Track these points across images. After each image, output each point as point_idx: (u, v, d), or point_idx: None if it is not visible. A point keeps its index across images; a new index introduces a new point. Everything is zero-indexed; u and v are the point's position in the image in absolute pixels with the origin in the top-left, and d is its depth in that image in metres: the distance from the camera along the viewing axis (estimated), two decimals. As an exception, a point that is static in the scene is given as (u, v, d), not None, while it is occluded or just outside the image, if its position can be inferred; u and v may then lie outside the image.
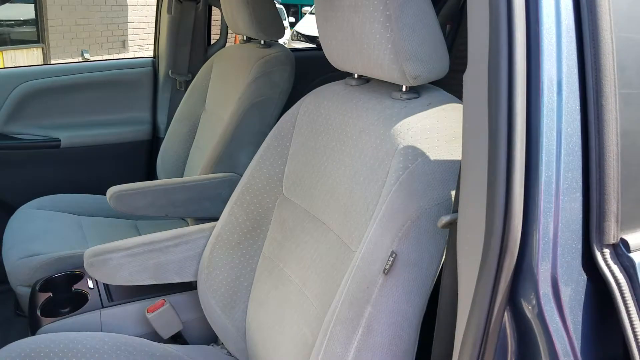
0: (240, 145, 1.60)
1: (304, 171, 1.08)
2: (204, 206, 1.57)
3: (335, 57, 1.01)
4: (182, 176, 1.90)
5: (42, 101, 1.96)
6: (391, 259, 0.75)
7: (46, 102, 1.97)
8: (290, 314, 1.01)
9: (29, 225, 1.65)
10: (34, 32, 8.37)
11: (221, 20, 2.13)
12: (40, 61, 8.47)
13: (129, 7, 9.25)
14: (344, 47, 0.95)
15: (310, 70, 2.02)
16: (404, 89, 0.91)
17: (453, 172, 0.79)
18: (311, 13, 9.83)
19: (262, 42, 1.70)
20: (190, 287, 1.26)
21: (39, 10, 8.28)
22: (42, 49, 8.48)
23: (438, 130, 0.82)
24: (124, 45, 9.22)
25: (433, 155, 0.79)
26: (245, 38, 1.84)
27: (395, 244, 0.76)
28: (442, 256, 0.78)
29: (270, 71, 1.61)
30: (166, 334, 1.21)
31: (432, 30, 0.85)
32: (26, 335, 1.32)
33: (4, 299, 1.59)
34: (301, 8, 14.42)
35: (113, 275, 1.18)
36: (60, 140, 1.96)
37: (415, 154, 0.79)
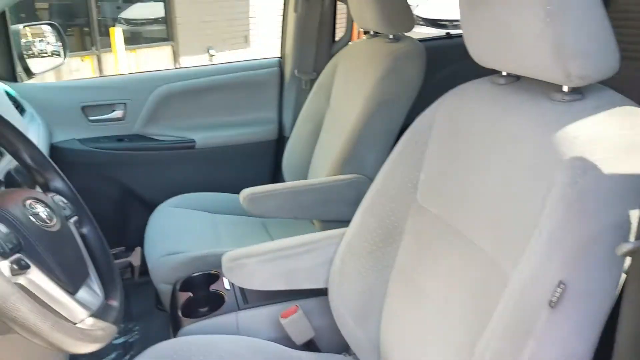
0: (367, 145, 1.55)
1: (442, 178, 1.01)
2: (331, 208, 1.55)
3: (481, 53, 0.92)
4: (307, 175, 1.91)
5: (177, 103, 2.05)
6: (559, 289, 0.67)
7: (181, 104, 2.06)
8: (432, 336, 0.95)
9: (168, 222, 1.74)
10: (164, 31, 8.94)
11: (347, 16, 2.09)
12: (170, 58, 9.05)
13: (249, 1, 9.55)
14: (493, 42, 0.86)
15: (437, 61, 1.92)
16: (565, 89, 0.81)
17: (633, 188, 0.68)
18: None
19: (391, 36, 1.64)
20: (321, 292, 1.25)
21: (168, 9, 8.82)
22: (172, 46, 9.04)
23: (611, 139, 0.72)
24: (246, 40, 9.57)
25: (607, 168, 0.69)
26: (372, 33, 1.78)
27: (563, 272, 0.68)
28: (617, 287, 0.68)
29: (400, 67, 1.55)
30: (299, 340, 1.21)
31: (601, 23, 0.74)
32: (165, 329, 1.39)
33: (147, 292, 1.68)
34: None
35: (249, 280, 1.20)
36: (195, 142, 2.04)
37: (584, 167, 0.70)
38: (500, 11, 0.82)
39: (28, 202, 0.82)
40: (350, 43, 2.05)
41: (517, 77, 0.95)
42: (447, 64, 2.22)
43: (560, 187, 0.71)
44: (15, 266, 0.71)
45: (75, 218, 0.95)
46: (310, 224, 1.79)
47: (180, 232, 1.67)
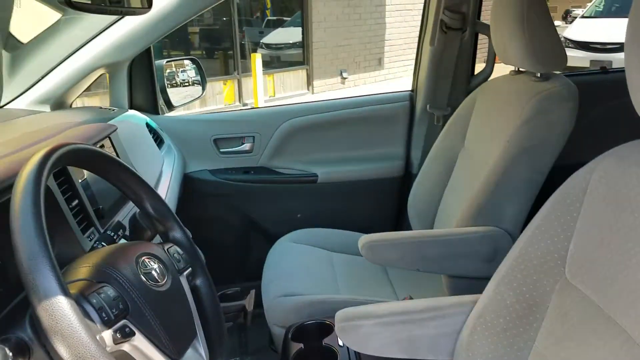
0: (506, 195, 1.39)
1: (598, 254, 0.84)
2: (460, 263, 1.40)
3: None
4: (434, 218, 1.77)
5: (303, 137, 2.03)
6: None
7: (306, 138, 2.03)
8: None
9: (286, 259, 1.70)
10: (300, 54, 9.25)
11: (488, 48, 1.94)
12: (304, 81, 9.32)
13: (387, 24, 9.57)
14: None
15: (587, 99, 1.70)
16: None
17: None
18: (584, 17, 8.82)
19: (538, 74, 1.47)
20: None
21: (305, 33, 9.12)
22: (307, 70, 9.32)
23: None
24: (379, 62, 9.59)
25: None
26: (517, 69, 1.62)
27: None
28: None
29: (549, 110, 1.37)
30: None
31: None
32: (277, 372, 1.34)
33: (263, 327, 1.65)
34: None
35: (364, 343, 1.10)
36: (317, 176, 2.00)
37: None
38: None
39: (142, 259, 0.79)
40: (490, 79, 1.89)
41: None
42: (598, 104, 1.97)
43: None
44: (119, 335, 0.68)
45: (189, 270, 0.92)
46: (437, 275, 1.66)
47: (297, 271, 1.62)
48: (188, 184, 1.97)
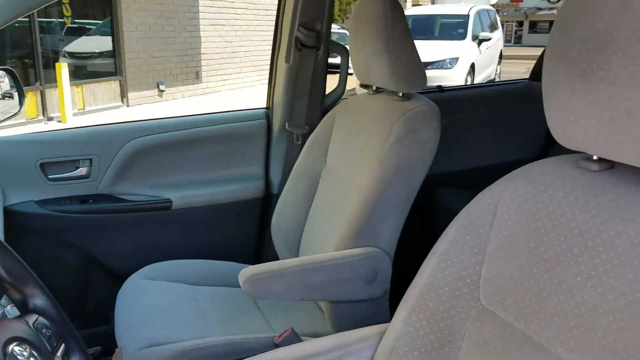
0: (383, 215, 1.38)
1: (516, 278, 0.84)
2: (344, 288, 1.35)
3: (578, 139, 0.77)
4: (300, 240, 1.71)
5: (152, 158, 1.82)
6: None
7: (155, 159, 1.83)
8: None
9: (141, 300, 1.49)
10: (111, 64, 8.62)
11: (340, 68, 1.94)
12: (117, 93, 8.71)
13: (202, 38, 9.39)
14: (604, 129, 0.71)
15: None
16: None
17: None
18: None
19: (400, 94, 1.49)
20: None
21: (116, 43, 8.52)
22: (120, 81, 8.72)
23: None
24: (197, 76, 9.37)
25: None
26: (375, 88, 1.63)
27: None
28: None
29: (417, 128, 1.39)
30: None
31: None
32: None
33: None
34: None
35: None
36: (171, 201, 1.81)
37: None
38: (622, 95, 0.67)
39: (10, 348, 0.58)
40: (348, 97, 1.89)
41: (611, 164, 0.81)
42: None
43: None
44: None
45: (62, 348, 0.71)
46: (310, 302, 1.59)
47: (157, 314, 1.43)
48: (9, 219, 1.63)
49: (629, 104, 0.67)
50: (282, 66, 1.87)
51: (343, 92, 1.97)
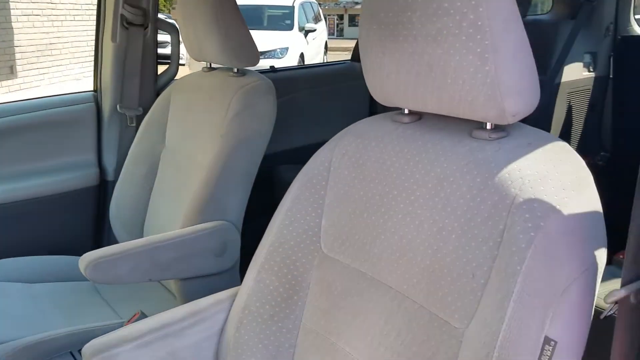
0: (228, 188, 1.40)
1: (350, 224, 0.93)
2: (194, 263, 1.35)
3: (392, 95, 0.87)
4: (143, 225, 1.66)
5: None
6: (549, 347, 0.62)
7: None
8: None
9: None
10: None
11: (172, 47, 1.91)
12: None
13: (14, 29, 8.46)
14: (411, 82, 0.81)
15: None
16: (488, 126, 0.79)
17: (594, 227, 0.68)
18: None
19: (235, 70, 1.52)
20: None
21: None
22: None
23: (559, 178, 0.71)
24: (12, 70, 8.43)
25: (566, 209, 0.67)
26: (209, 66, 1.64)
27: (548, 328, 0.63)
28: (587, 335, 0.67)
29: (255, 102, 1.44)
30: None
31: (530, 59, 0.74)
32: None
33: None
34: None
35: None
36: None
37: (545, 209, 0.67)
38: (423, 50, 0.77)
39: None
40: (180, 76, 1.86)
41: (420, 116, 0.92)
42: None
43: (521, 232, 0.67)
44: None
45: None
46: (155, 283, 1.57)
47: (-9, 316, 1.31)
48: None
49: (429, 59, 0.77)
50: (108, 46, 1.79)
51: (176, 71, 1.94)
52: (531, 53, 0.74)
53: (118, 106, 1.81)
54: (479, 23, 0.70)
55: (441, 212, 0.79)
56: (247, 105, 1.42)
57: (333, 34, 21.13)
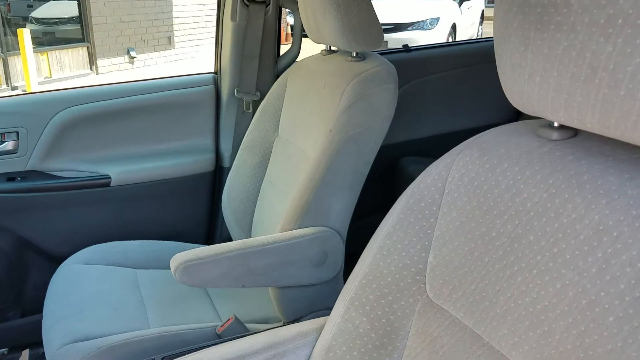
0: (333, 190, 1.24)
1: (466, 268, 0.72)
2: (289, 272, 1.22)
3: (535, 102, 0.63)
4: (253, 216, 1.57)
5: (87, 130, 1.66)
6: None
7: (92, 131, 1.66)
8: None
9: (74, 288, 1.36)
10: (78, 31, 8.26)
11: (294, 26, 1.77)
12: (86, 60, 8.38)
13: (173, 1, 9.02)
14: (564, 88, 0.57)
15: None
16: None
17: None
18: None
19: (354, 53, 1.34)
20: None
21: (82, 8, 8.15)
22: (88, 47, 8.39)
23: None
24: (169, 41, 9.04)
25: None
26: (328, 48, 1.47)
27: None
28: None
29: (370, 92, 1.25)
30: None
31: None
32: None
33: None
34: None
35: None
36: (110, 177, 1.65)
37: None
38: (584, 45, 0.53)
39: None
40: (299, 59, 1.73)
41: (575, 132, 0.67)
42: (404, 82, 1.96)
43: None
44: None
45: None
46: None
47: (90, 303, 1.29)
48: None
49: (592, 58, 0.53)
50: (228, 25, 1.70)
51: (298, 53, 1.81)
52: None
53: (235, 90, 1.73)
54: None
55: (595, 279, 0.55)
56: (362, 96, 1.24)
57: (492, 1, 19.94)
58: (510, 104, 2.18)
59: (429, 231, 0.77)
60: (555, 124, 0.67)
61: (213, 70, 1.82)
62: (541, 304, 0.61)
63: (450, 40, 8.38)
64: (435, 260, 0.76)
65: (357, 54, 1.34)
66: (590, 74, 0.53)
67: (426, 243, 0.77)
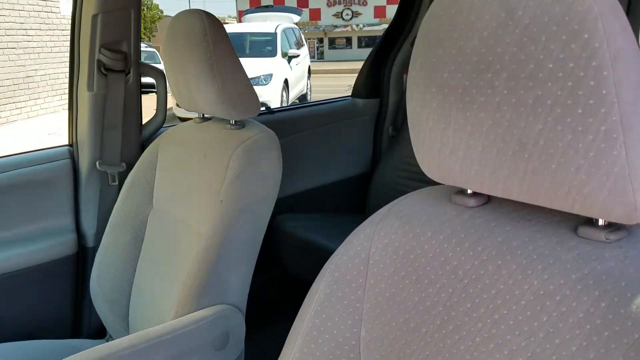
0: (230, 264, 1.18)
1: (403, 341, 0.71)
2: None
3: (456, 175, 0.66)
4: (129, 301, 1.43)
5: None
6: None
7: None
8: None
9: None
10: None
11: (158, 93, 1.69)
12: None
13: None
14: (489, 163, 0.61)
15: None
16: (601, 222, 0.59)
17: None
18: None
19: (233, 121, 1.32)
20: None
21: None
22: None
23: None
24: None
25: None
26: (202, 116, 1.43)
27: None
28: None
29: (257, 160, 1.23)
30: None
31: None
32: None
33: None
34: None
35: None
36: None
37: None
38: (514, 119, 0.57)
39: None
40: (170, 127, 1.65)
41: (488, 199, 0.72)
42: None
43: None
44: None
45: None
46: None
47: None
48: None
49: (520, 135, 0.57)
50: (84, 95, 1.57)
51: (164, 121, 1.73)
52: None
53: (97, 163, 1.59)
54: (604, 92, 0.50)
55: (544, 343, 0.58)
56: (249, 164, 1.21)
57: (314, 57, 21.28)
58: (365, 154, 2.32)
59: (358, 305, 0.76)
60: (469, 191, 0.71)
61: (67, 143, 1.66)
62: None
63: (284, 94, 8.77)
64: (369, 335, 0.75)
65: (236, 121, 1.32)
66: (519, 150, 0.57)
67: (357, 317, 0.76)
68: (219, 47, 1.22)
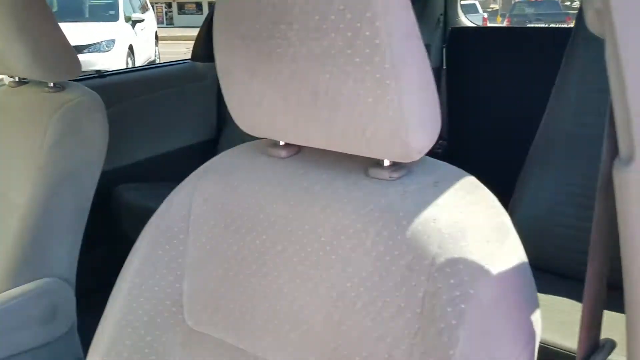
0: (52, 235, 1.12)
1: (222, 289, 0.74)
2: (14, 340, 1.06)
3: (264, 125, 0.69)
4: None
5: None
6: None
7: None
8: None
9: None
10: None
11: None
12: None
13: None
14: (290, 112, 0.64)
15: None
16: (386, 163, 0.65)
17: (526, 285, 0.57)
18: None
19: (51, 84, 1.23)
20: None
21: None
22: None
23: (480, 227, 0.59)
24: None
25: (495, 268, 0.55)
26: (17, 79, 1.32)
27: None
28: None
29: (79, 124, 1.17)
30: None
31: (433, 84, 0.61)
32: None
33: None
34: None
35: None
36: None
37: (472, 271, 0.55)
38: (307, 73, 0.60)
39: None
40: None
41: (299, 148, 0.76)
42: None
43: (448, 304, 0.54)
44: None
45: None
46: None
47: None
48: None
49: (314, 85, 0.61)
50: None
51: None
52: (433, 80, 0.60)
53: None
54: (377, 41, 0.55)
55: (341, 273, 0.64)
56: (70, 129, 1.15)
57: (162, 23, 20.32)
58: (208, 121, 2.29)
59: (180, 260, 0.77)
60: (282, 143, 0.74)
61: None
62: (297, 305, 0.67)
63: (129, 61, 8.31)
64: (191, 288, 0.76)
65: (54, 84, 1.23)
66: (312, 100, 0.61)
67: (179, 273, 0.77)
68: (32, 4, 1.13)
